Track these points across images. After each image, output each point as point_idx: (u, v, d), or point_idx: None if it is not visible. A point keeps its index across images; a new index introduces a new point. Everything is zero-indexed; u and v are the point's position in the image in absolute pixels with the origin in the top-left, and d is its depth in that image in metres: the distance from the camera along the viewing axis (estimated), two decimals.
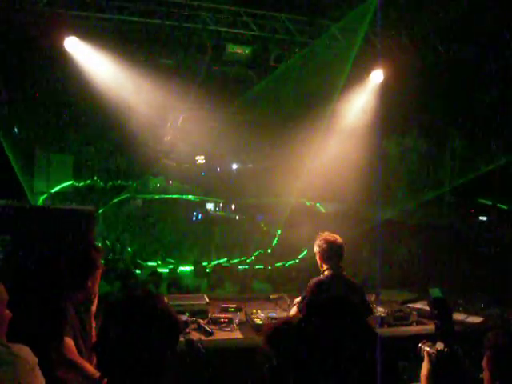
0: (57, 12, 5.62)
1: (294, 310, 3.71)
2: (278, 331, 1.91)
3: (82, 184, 9.32)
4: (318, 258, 3.67)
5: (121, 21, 5.97)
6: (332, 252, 3.60)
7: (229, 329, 3.82)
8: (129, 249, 8.85)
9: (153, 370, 1.45)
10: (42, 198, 8.12)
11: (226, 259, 8.62)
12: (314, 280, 3.50)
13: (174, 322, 1.54)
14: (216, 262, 8.24)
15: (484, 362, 1.91)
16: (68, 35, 5.83)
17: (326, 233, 3.68)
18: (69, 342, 2.58)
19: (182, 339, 3.35)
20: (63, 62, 6.06)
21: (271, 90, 8.09)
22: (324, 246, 3.60)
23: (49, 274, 3.05)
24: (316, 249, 3.68)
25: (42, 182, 8.23)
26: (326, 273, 3.58)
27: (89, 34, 5.95)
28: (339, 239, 3.64)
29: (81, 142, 9.20)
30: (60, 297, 2.70)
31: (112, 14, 5.87)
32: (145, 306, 1.50)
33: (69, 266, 2.83)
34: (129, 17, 5.95)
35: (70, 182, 9.06)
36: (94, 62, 6.25)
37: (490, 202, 7.80)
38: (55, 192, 8.54)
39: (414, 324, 4.21)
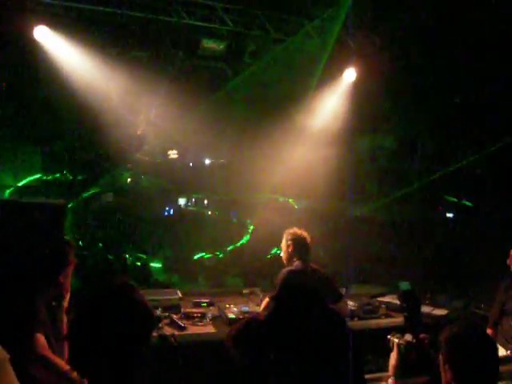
0: (25, 0, 5.47)
1: (265, 301, 3.78)
2: (243, 332, 1.94)
3: (50, 177, 9.11)
4: (287, 250, 3.79)
5: (92, 11, 5.85)
6: (301, 244, 3.75)
7: (202, 323, 3.85)
8: (99, 244, 8.72)
9: (125, 362, 1.45)
10: (8, 191, 7.90)
11: (198, 254, 8.61)
12: (285, 269, 3.59)
13: (149, 315, 1.54)
14: (188, 257, 8.21)
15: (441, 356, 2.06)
16: (37, 24, 5.66)
17: (295, 228, 3.83)
18: (40, 338, 2.55)
19: (155, 334, 3.35)
20: (33, 52, 5.90)
21: (245, 86, 8.10)
22: (294, 238, 3.75)
23: (18, 270, 2.99)
24: (286, 242, 3.80)
25: (7, 174, 8.00)
26: (295, 263, 3.70)
27: (59, 23, 5.81)
28: (306, 233, 3.81)
29: (50, 134, 8.98)
30: (31, 293, 2.66)
31: (83, 4, 5.75)
32: (120, 296, 1.49)
33: (40, 261, 2.79)
34: (101, 7, 5.84)
35: (38, 176, 8.83)
36: (64, 53, 6.09)
37: (455, 199, 8.05)
38: (22, 185, 8.33)
39: (383, 317, 4.34)
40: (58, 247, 2.82)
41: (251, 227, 10.19)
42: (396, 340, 2.39)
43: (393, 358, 2.38)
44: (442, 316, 4.47)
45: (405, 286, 2.51)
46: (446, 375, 2.00)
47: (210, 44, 6.48)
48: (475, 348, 1.95)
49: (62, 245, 2.86)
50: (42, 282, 2.71)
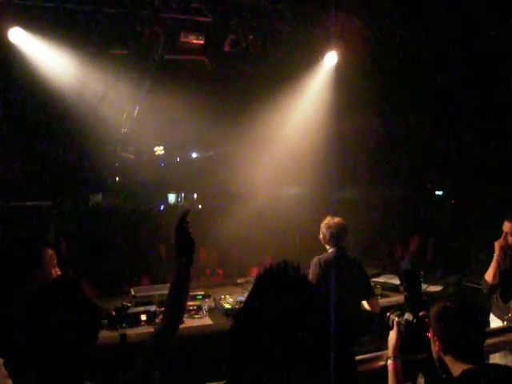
0: None
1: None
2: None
3: (36, 181, 8.98)
4: (323, 238, 3.90)
5: (68, 10, 5.72)
6: (335, 231, 3.83)
7: (199, 316, 3.84)
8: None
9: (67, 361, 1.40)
10: None
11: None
12: (318, 257, 3.69)
13: (84, 315, 1.47)
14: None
15: (430, 330, 2.14)
16: (12, 26, 5.54)
17: (328, 217, 3.91)
18: None
19: (152, 329, 3.34)
20: (8, 55, 5.78)
21: (227, 77, 8.03)
22: (328, 226, 3.85)
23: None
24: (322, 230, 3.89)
25: None
26: (330, 251, 3.81)
27: (34, 24, 5.68)
28: (340, 220, 3.88)
29: (31, 136, 8.84)
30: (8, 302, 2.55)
31: (59, 3, 5.62)
32: (52, 295, 1.46)
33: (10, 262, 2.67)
34: (77, 5, 5.71)
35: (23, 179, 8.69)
36: (41, 55, 5.98)
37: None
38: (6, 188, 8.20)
39: (379, 297, 4.36)
40: (26, 246, 2.68)
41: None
42: (396, 318, 2.38)
43: (392, 337, 2.36)
44: (436, 292, 4.50)
45: (405, 265, 2.46)
46: (435, 347, 2.07)
47: (188, 37, 6.40)
48: (461, 320, 2.01)
49: (30, 243, 2.72)
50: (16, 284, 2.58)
